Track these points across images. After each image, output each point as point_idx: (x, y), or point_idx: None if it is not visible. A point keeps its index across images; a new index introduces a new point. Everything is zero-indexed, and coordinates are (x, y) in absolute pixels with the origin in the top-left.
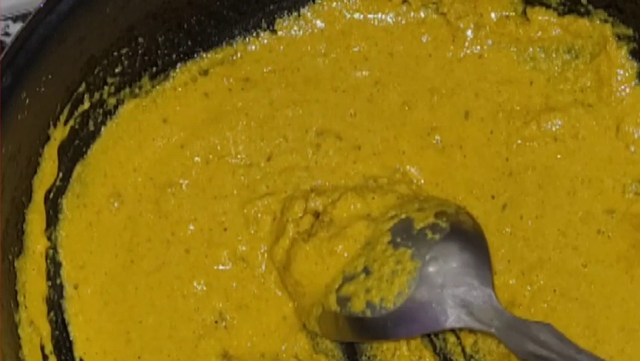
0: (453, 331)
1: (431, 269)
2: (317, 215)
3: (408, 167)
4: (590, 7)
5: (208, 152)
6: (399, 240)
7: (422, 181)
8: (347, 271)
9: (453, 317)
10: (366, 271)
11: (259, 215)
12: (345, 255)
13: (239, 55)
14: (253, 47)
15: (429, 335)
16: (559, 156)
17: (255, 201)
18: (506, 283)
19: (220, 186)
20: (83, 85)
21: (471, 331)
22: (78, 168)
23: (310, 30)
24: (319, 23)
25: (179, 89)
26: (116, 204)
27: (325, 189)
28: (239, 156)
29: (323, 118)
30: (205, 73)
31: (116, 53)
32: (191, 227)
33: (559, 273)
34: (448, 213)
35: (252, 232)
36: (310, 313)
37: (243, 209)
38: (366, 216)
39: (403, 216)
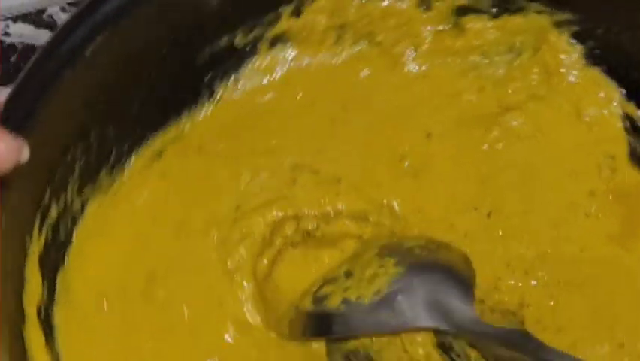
0: (473, 346)
1: (413, 274)
2: (308, 233)
3: (388, 200)
4: (523, 1)
5: (178, 228)
6: (386, 252)
7: (404, 210)
8: (328, 275)
9: (426, 317)
10: (348, 274)
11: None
12: (330, 263)
13: (188, 127)
14: (201, 117)
15: (448, 354)
16: (528, 153)
17: (233, 255)
18: (511, 285)
19: (198, 259)
20: (48, 192)
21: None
22: (60, 277)
23: (253, 86)
24: (261, 80)
25: (137, 177)
26: (105, 305)
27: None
28: (207, 220)
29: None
30: (159, 155)
31: (70, 157)
32: (186, 311)
33: (559, 264)
34: (437, 242)
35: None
36: (282, 319)
37: (225, 274)
38: (358, 237)
39: (394, 239)
